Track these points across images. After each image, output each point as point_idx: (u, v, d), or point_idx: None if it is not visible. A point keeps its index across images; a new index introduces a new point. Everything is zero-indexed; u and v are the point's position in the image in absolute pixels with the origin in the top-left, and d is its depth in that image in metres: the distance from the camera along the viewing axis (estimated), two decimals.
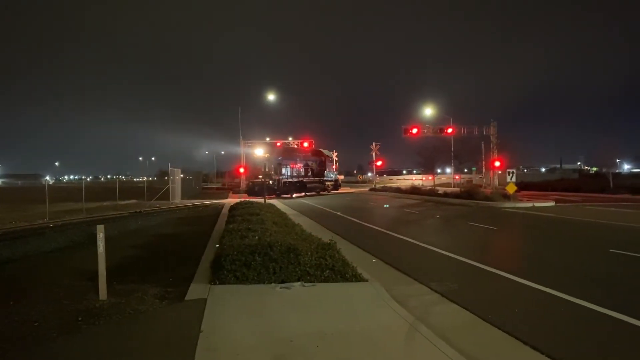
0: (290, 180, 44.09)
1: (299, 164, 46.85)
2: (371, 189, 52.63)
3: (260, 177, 42.37)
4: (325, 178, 51.38)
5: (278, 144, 52.08)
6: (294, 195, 43.16)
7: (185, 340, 5.14)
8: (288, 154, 46.68)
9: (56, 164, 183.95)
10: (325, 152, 53.66)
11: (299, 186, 45.15)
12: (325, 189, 50.09)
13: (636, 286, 8.13)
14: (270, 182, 41.52)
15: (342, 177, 74.81)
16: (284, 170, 43.22)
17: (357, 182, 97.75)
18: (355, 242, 13.28)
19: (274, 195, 39.82)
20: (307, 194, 45.76)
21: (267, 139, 55.50)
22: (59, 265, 10.12)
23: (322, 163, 51.44)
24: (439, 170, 64.06)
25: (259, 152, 48.62)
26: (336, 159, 55.71)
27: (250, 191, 41.47)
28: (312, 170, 49.01)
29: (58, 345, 5.28)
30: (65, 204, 27.55)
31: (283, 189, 42.19)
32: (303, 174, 47.00)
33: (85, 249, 11.55)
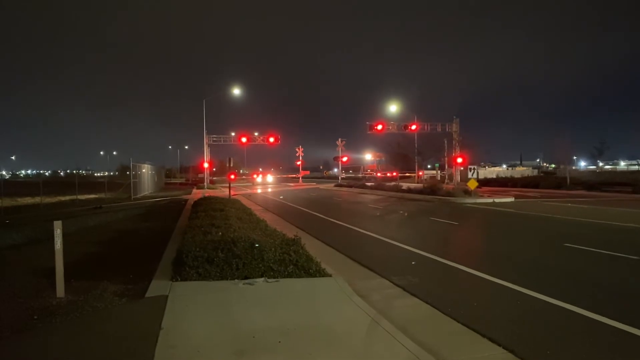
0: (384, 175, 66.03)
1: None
2: (337, 185, 52.84)
3: (369, 170, 77.14)
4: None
5: (244, 139, 52.20)
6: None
7: (145, 338, 5.06)
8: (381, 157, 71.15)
9: (12, 157, 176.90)
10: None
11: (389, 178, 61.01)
12: None
13: (590, 280, 8.45)
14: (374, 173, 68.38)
15: (307, 172, 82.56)
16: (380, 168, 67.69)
17: (323, 177, 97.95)
18: (320, 237, 13.33)
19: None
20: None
21: (232, 134, 55.51)
22: (14, 263, 9.79)
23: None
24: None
25: (368, 156, 78.41)
26: None
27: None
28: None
29: (12, 343, 5.13)
30: (22, 199, 26.63)
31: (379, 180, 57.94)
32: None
33: (43, 245, 11.21)
